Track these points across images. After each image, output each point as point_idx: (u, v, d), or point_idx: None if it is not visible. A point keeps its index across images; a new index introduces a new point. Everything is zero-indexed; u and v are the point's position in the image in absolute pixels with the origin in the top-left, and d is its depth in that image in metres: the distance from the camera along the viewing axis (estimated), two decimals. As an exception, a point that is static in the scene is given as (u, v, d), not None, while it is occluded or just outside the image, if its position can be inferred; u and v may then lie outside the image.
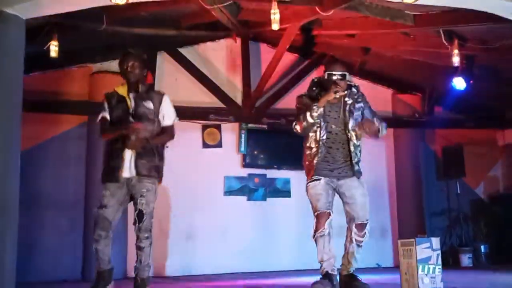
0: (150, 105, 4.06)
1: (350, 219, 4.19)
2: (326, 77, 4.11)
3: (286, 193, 7.98)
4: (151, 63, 7.51)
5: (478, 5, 4.61)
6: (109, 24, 6.04)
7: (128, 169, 3.94)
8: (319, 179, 4.11)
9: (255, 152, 7.96)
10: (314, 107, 4.01)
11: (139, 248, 3.89)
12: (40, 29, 5.83)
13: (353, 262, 4.18)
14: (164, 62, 7.68)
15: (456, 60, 6.17)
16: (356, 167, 4.17)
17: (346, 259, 4.20)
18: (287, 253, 7.70)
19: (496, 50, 6.18)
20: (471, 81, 6.80)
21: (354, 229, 4.14)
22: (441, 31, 6.11)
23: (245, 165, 7.83)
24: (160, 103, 4.11)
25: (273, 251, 7.62)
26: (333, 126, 4.14)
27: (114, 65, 7.22)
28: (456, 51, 6.13)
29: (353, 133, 4.14)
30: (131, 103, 4.04)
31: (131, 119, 3.98)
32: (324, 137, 4.09)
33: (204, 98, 7.73)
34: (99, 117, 4.12)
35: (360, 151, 4.24)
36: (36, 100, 6.52)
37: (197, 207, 7.46)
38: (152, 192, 3.95)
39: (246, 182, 7.82)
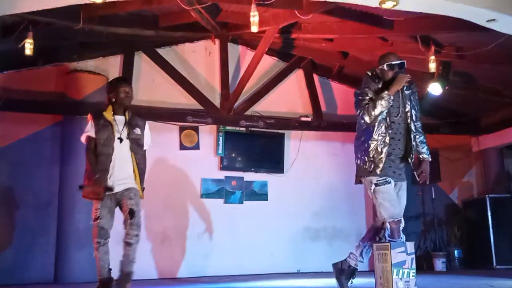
0: (138, 131, 4.39)
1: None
2: (385, 68, 4.13)
3: (263, 196, 7.95)
4: (129, 63, 7.45)
5: (455, 12, 4.66)
6: (86, 23, 5.95)
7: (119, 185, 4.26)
8: (390, 182, 4.04)
9: (233, 155, 7.92)
10: (385, 96, 4.01)
11: (128, 244, 4.18)
12: (15, 27, 5.73)
13: (364, 258, 4.27)
14: (142, 63, 7.60)
15: (432, 66, 6.25)
16: (408, 165, 4.17)
17: (360, 252, 4.26)
18: (263, 256, 7.67)
19: (471, 57, 6.27)
20: (447, 87, 6.88)
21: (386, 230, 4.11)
22: (418, 37, 6.18)
23: (223, 168, 7.78)
24: (143, 130, 4.44)
25: (249, 254, 7.58)
26: (395, 116, 4.15)
27: (90, 64, 7.17)
28: (432, 57, 6.21)
29: (412, 123, 4.20)
30: (116, 128, 4.28)
31: (114, 143, 4.25)
32: (389, 127, 4.09)
33: (181, 100, 7.67)
34: (85, 137, 4.35)
35: (416, 138, 4.24)
36: (10, 99, 6.41)
37: (173, 210, 7.39)
38: (138, 196, 4.30)
39: (223, 184, 7.77)
